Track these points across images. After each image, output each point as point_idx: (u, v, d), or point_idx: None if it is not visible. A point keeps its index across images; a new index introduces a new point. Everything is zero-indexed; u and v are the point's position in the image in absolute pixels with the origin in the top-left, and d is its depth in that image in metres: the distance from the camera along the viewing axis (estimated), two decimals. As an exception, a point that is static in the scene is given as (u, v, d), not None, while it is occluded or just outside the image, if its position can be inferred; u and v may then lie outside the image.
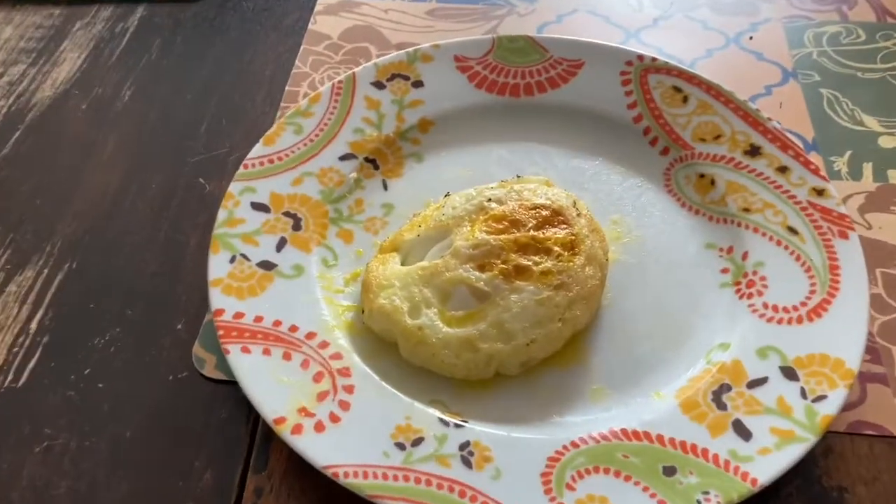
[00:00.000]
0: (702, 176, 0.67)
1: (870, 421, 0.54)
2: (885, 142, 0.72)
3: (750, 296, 0.59)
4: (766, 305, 0.58)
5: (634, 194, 0.67)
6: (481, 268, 0.57)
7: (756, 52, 0.81)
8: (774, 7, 0.86)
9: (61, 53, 0.66)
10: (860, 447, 0.53)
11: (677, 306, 0.60)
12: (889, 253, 0.64)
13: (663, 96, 0.71)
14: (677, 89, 0.71)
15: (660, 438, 0.51)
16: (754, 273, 0.60)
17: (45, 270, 0.54)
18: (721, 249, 0.63)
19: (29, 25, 0.69)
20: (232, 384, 0.55)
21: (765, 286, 0.59)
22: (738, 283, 0.60)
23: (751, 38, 0.82)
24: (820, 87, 0.77)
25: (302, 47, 0.80)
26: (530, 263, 0.57)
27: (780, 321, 0.57)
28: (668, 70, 0.72)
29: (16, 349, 0.51)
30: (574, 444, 0.51)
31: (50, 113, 0.63)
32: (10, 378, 0.51)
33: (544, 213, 0.60)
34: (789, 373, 0.54)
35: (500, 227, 0.59)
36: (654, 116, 0.70)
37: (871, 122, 0.74)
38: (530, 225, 0.59)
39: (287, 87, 0.77)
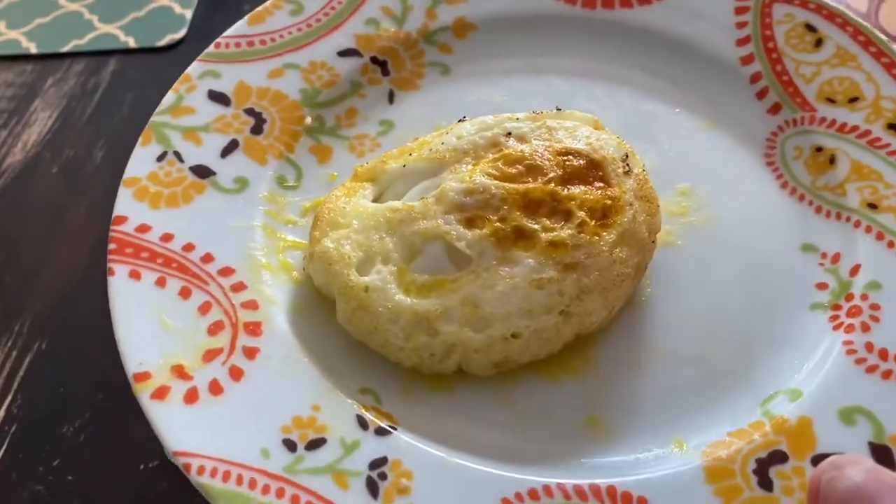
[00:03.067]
0: (819, 150, 0.48)
1: None
2: None
3: (850, 328, 0.41)
4: (869, 347, 0.39)
5: (719, 159, 0.49)
6: (469, 222, 0.41)
7: None
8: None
9: (32, 113, 0.63)
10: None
11: (742, 324, 0.42)
12: None
13: (789, 35, 0.51)
14: (811, 28, 0.51)
15: (661, 514, 0.35)
16: (863, 297, 0.42)
17: (14, 352, 0.50)
18: (824, 255, 0.44)
19: (0, 84, 0.65)
20: None
21: (875, 319, 0.41)
22: (836, 307, 0.42)
23: None
24: None
25: None
26: (538, 227, 0.41)
27: (886, 374, 0.38)
28: (803, 1, 0.52)
29: (-18, 441, 0.47)
30: (533, 494, 0.35)
31: (21, 179, 0.59)
32: (-24, 473, 0.47)
33: (577, 162, 0.43)
34: (883, 454, 0.36)
35: (512, 171, 0.43)
36: (770, 60, 0.51)
37: None
38: (553, 175, 0.42)
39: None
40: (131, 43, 0.66)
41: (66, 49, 0.66)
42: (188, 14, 0.67)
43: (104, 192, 0.57)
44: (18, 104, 0.63)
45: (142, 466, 0.44)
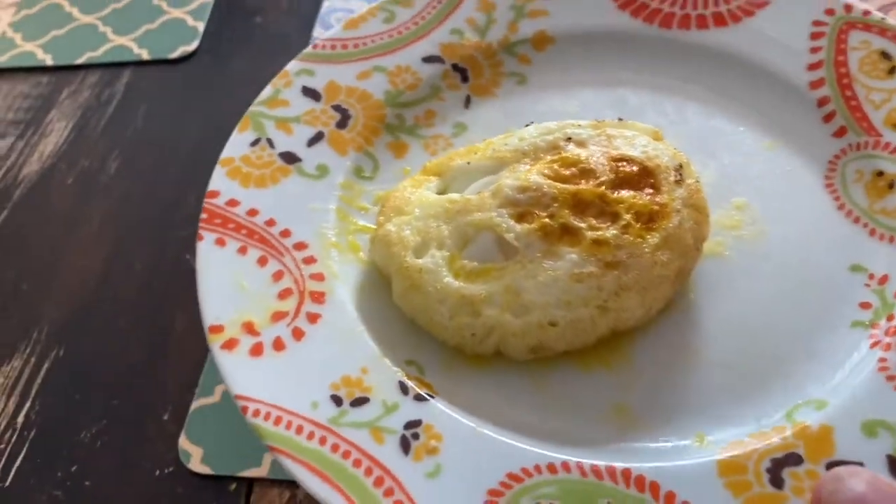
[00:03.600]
0: (880, 174, 0.48)
1: None
2: None
3: (888, 347, 0.41)
4: (904, 367, 0.40)
5: (778, 178, 0.50)
6: (520, 217, 0.44)
7: None
8: None
9: (48, 124, 0.64)
10: None
11: (779, 337, 0.44)
12: None
13: (863, 62, 0.52)
14: (886, 56, 0.52)
15: (670, 499, 0.37)
16: (905, 318, 0.42)
17: (33, 359, 0.52)
18: (871, 277, 0.45)
19: (17, 95, 0.67)
20: (220, 479, 0.46)
21: (913, 340, 0.41)
22: (875, 326, 0.43)
23: None
24: None
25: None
26: (584, 226, 0.43)
27: (917, 394, 0.39)
28: (882, 29, 0.53)
29: (2, 446, 0.49)
30: (551, 468, 0.38)
31: (37, 189, 0.61)
32: (-5, 478, 0.48)
33: (630, 168, 0.46)
34: (899, 468, 0.37)
35: (566, 173, 0.46)
36: (840, 85, 0.52)
37: None
38: (604, 178, 0.45)
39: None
40: (144, 55, 0.67)
41: (80, 61, 0.67)
42: (200, 26, 0.69)
43: (118, 202, 0.59)
44: (34, 115, 0.65)
45: (158, 472, 0.45)
